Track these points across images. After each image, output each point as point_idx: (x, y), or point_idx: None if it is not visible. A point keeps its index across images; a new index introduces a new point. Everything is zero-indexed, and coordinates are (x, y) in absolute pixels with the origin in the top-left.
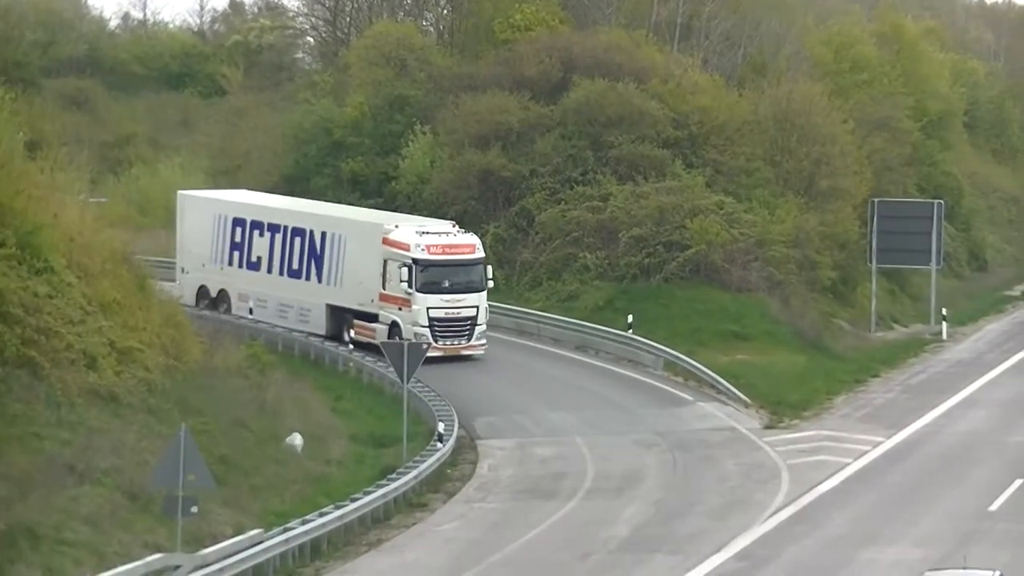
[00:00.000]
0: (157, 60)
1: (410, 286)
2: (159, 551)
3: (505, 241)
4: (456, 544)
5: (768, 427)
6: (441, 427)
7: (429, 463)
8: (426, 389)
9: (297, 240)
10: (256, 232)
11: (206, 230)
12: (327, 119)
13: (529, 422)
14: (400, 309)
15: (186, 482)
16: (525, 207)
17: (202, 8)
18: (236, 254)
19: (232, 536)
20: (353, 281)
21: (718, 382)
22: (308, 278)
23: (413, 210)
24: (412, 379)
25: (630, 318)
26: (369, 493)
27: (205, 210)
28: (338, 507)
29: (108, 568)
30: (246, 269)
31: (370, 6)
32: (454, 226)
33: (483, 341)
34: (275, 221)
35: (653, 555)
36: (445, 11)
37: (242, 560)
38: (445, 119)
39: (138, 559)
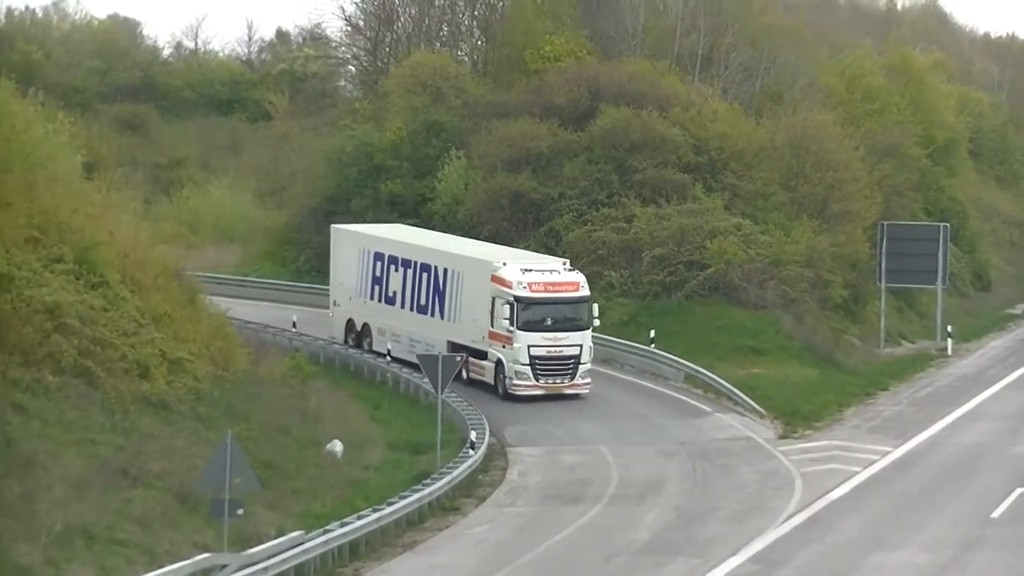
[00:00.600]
0: (207, 87)
1: (512, 323)
2: (206, 551)
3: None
4: (486, 546)
5: (782, 437)
6: (473, 435)
7: (461, 469)
8: (459, 399)
9: (424, 276)
10: (392, 267)
11: (353, 264)
12: (367, 143)
13: (557, 431)
14: (504, 347)
15: (232, 485)
16: (554, 228)
17: (250, 39)
18: (376, 288)
19: (275, 537)
20: (468, 318)
21: (735, 394)
22: (433, 314)
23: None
24: (446, 390)
25: (652, 333)
26: (404, 497)
27: (352, 244)
28: (375, 510)
29: (158, 567)
30: (384, 304)
31: (408, 37)
32: (564, 264)
33: (587, 380)
34: (407, 257)
35: (674, 558)
36: (479, 42)
37: (284, 560)
38: (478, 144)
39: (187, 558)
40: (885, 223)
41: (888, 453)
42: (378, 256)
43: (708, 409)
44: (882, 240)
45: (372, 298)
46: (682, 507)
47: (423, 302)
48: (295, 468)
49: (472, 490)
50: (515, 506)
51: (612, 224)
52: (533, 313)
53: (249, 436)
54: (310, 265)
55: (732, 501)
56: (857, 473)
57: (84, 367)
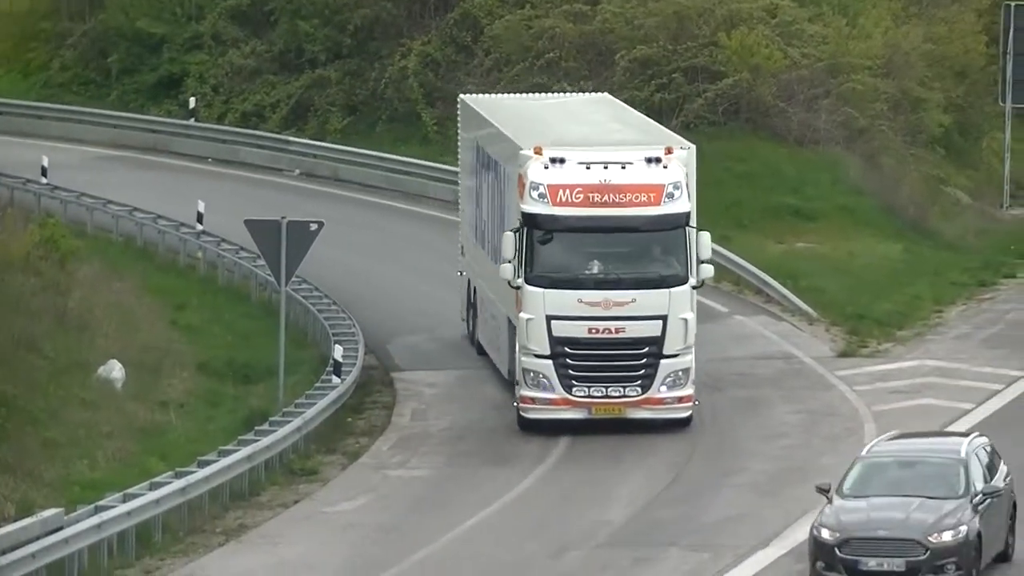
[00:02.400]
0: None
1: (516, 272)
2: None
3: (439, 66)
4: (360, 532)
5: (844, 354)
6: (339, 352)
7: (319, 408)
8: (316, 294)
9: (488, 181)
10: (483, 173)
11: (466, 174)
12: None
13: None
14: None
15: None
16: (468, 12)
17: None
18: (476, 216)
19: (16, 518)
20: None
21: (768, 285)
22: (487, 248)
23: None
24: (293, 277)
25: None
26: (227, 454)
27: (467, 132)
28: (179, 475)
29: None
30: (478, 244)
31: None
32: (659, 156)
33: (686, 392)
34: (487, 150)
35: (665, 550)
36: None
37: (32, 555)
38: None
39: None
40: (1012, 4)
41: (1017, 380)
42: (478, 155)
43: (723, 309)
44: (1008, 32)
45: (475, 237)
46: (680, 469)
47: (483, 229)
48: (47, 407)
49: (337, 442)
50: (407, 467)
51: (565, 6)
52: (557, 250)
53: None
54: (71, 75)
55: (761, 459)
56: (966, 412)
57: None
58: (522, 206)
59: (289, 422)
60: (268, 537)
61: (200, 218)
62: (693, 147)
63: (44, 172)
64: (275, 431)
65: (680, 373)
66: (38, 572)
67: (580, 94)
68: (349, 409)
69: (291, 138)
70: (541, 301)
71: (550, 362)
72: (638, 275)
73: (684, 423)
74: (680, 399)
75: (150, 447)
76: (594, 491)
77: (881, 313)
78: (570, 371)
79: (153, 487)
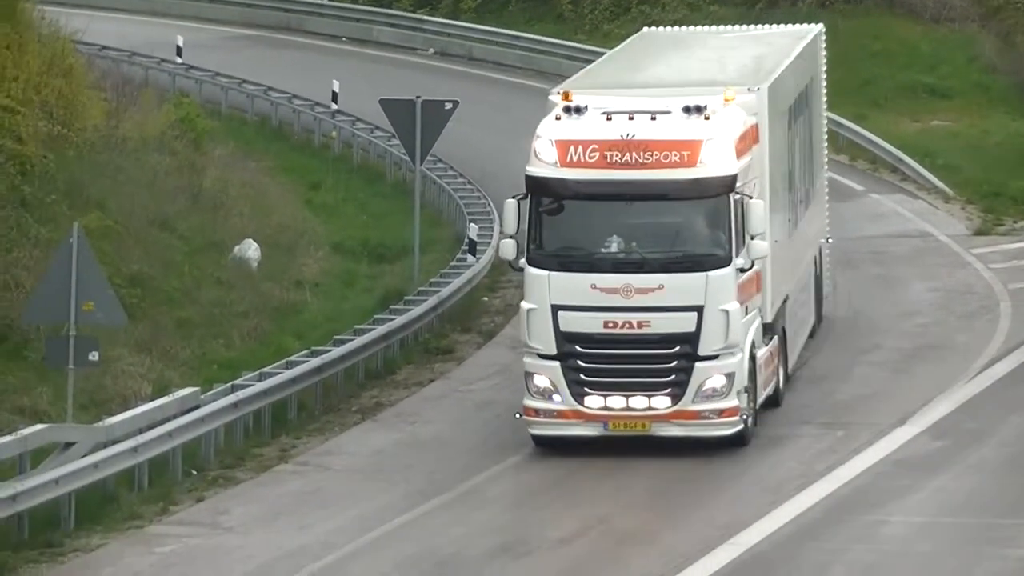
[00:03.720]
0: None
1: (517, 250)
2: (40, 421)
3: None
4: (494, 411)
5: (979, 232)
6: (474, 231)
7: (455, 287)
8: (451, 172)
9: None
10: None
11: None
12: None
13: None
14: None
15: (81, 315)
16: None
17: None
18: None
19: (152, 398)
20: None
21: (903, 163)
22: None
23: None
24: (428, 156)
25: None
26: (363, 333)
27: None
28: (314, 354)
29: None
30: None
31: None
32: (704, 106)
33: (730, 403)
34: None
35: (799, 428)
36: None
37: (169, 434)
38: None
39: (7, 432)
40: None
41: None
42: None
43: (858, 187)
44: None
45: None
46: (815, 346)
47: None
48: (182, 287)
49: (472, 321)
50: None
51: None
52: (565, 222)
53: (107, 233)
54: None
55: (896, 336)
56: None
57: None
58: (527, 167)
59: (424, 301)
60: (403, 415)
61: (335, 97)
62: (765, 87)
63: (179, 52)
64: (410, 310)
65: (721, 379)
66: (174, 451)
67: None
68: (484, 288)
69: (425, 17)
70: (546, 287)
71: (557, 364)
72: (667, 255)
73: (734, 441)
74: (722, 412)
75: (285, 326)
76: None
77: (1016, 191)
78: (582, 376)
79: (289, 366)
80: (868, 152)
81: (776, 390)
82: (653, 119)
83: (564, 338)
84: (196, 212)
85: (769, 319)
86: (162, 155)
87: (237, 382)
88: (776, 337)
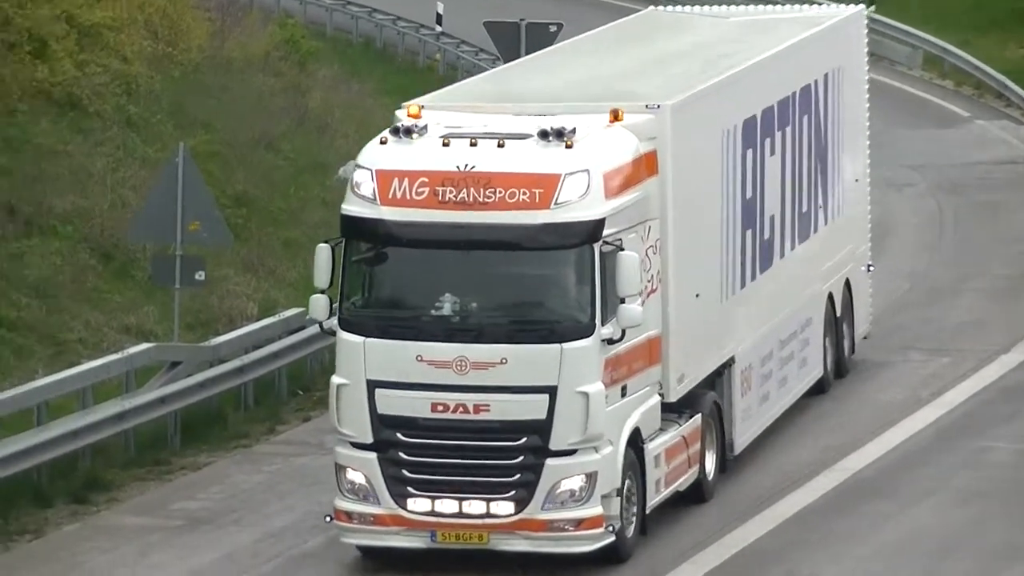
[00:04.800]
0: None
1: (326, 309)
2: (146, 340)
3: None
4: None
5: None
6: None
7: None
8: None
9: None
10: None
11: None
12: None
13: None
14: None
15: (187, 234)
16: None
17: None
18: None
19: (257, 318)
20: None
21: (1008, 88)
22: None
23: None
24: None
25: None
26: None
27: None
28: None
29: (70, 363)
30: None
31: None
32: (555, 128)
33: (591, 511)
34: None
35: (905, 354)
36: None
37: (274, 355)
38: None
39: (114, 351)
40: None
41: None
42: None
43: (963, 113)
44: None
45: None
46: (918, 273)
47: None
48: (287, 208)
49: None
50: None
51: None
52: (386, 276)
53: (212, 153)
54: None
55: (1001, 262)
56: None
57: None
58: (342, 205)
59: None
60: None
61: (439, 19)
62: (669, 104)
63: None
64: None
65: (579, 481)
66: (280, 371)
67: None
68: None
69: None
70: (361, 357)
71: (374, 456)
72: (512, 321)
73: (606, 557)
74: (580, 522)
75: None
76: None
77: None
78: (404, 472)
79: None
80: (973, 78)
81: (699, 481)
82: (501, 145)
83: (382, 423)
84: (301, 133)
85: (674, 397)
86: (267, 76)
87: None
88: (699, 416)
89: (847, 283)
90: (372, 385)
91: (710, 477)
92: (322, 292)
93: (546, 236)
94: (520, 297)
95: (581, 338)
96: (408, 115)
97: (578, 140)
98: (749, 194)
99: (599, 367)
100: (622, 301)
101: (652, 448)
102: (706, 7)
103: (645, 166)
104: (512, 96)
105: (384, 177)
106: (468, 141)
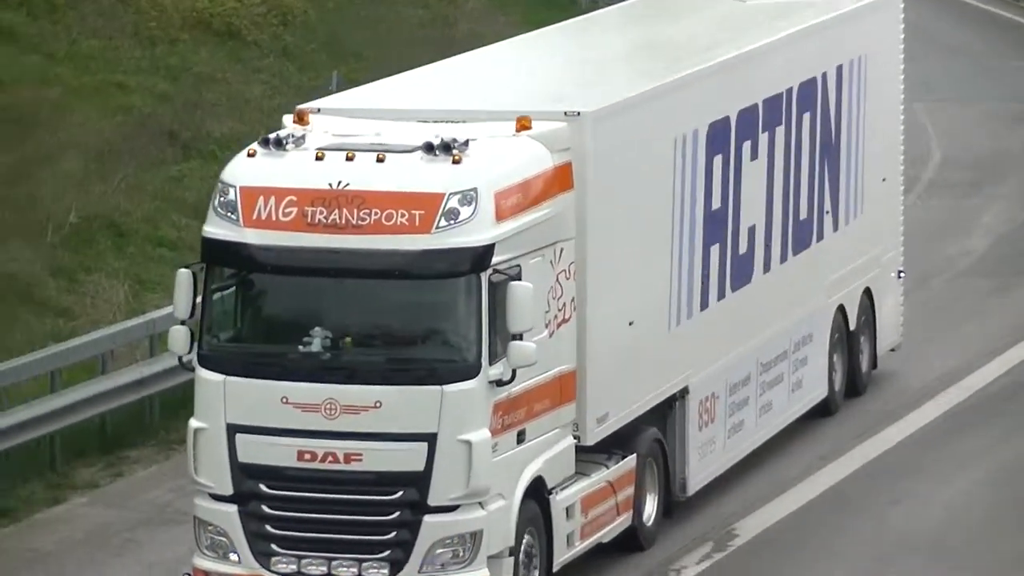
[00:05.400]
0: None
1: (190, 345)
2: None
3: None
4: None
5: None
6: None
7: None
8: None
9: None
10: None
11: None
12: None
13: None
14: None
15: None
16: None
17: None
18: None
19: None
20: None
21: None
22: None
23: None
24: None
25: None
26: None
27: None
28: None
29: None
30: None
31: None
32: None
33: (475, 574)
34: None
35: (1019, 278)
36: None
37: None
38: None
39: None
40: None
41: None
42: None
43: None
44: None
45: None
46: None
47: None
48: None
49: None
50: None
51: None
52: (249, 307)
53: (365, 82)
54: None
55: None
56: None
57: None
58: (204, 226)
59: None
60: None
61: None
62: (590, 111)
63: None
64: None
65: (461, 541)
66: None
67: None
68: None
69: None
70: (220, 398)
71: (234, 510)
72: (387, 359)
73: None
74: None
75: None
76: (957, 219)
77: None
78: (268, 527)
79: None
80: None
81: (634, 528)
82: (380, 160)
83: (244, 472)
84: (447, 48)
85: (592, 440)
86: (416, 8)
87: None
88: (633, 457)
89: (867, 292)
90: (232, 430)
91: (649, 523)
92: (182, 323)
93: (426, 264)
94: (397, 333)
95: (464, 379)
96: (294, 121)
97: (469, 154)
98: (716, 205)
99: (486, 412)
100: (514, 337)
101: (562, 498)
102: None
103: (557, 181)
104: (418, 100)
105: (248, 195)
106: (344, 155)
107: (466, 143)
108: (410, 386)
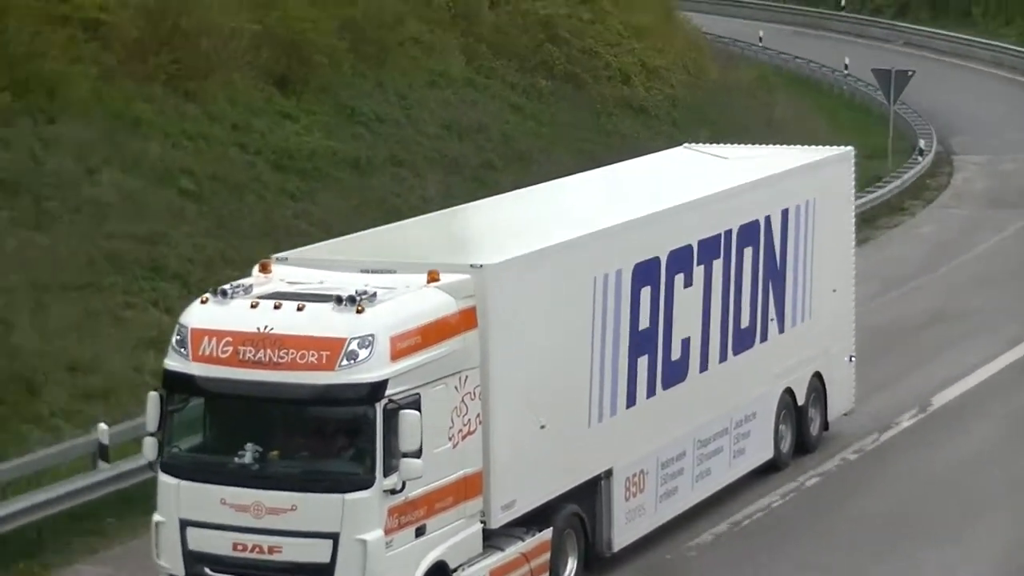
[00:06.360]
0: None
1: (159, 452)
2: None
3: None
4: (932, 241)
5: None
6: (922, 143)
7: (911, 174)
8: (909, 110)
9: None
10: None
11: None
12: None
13: (997, 142)
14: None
15: None
16: None
17: None
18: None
19: None
20: None
21: None
22: None
23: None
24: (898, 101)
25: None
26: (859, 197)
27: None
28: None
29: None
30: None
31: None
32: (362, 288)
33: None
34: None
35: None
36: None
37: None
38: None
39: None
40: None
41: None
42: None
43: None
44: None
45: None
46: None
47: None
48: None
49: (920, 193)
50: (959, 208)
51: None
52: (198, 425)
53: (713, 139)
54: None
55: None
56: None
57: (573, 74)
58: (165, 359)
59: (894, 181)
60: (881, 244)
61: (846, 66)
62: (492, 263)
63: (760, 39)
64: (886, 186)
65: None
66: None
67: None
68: (926, 175)
69: (895, 22)
70: (175, 497)
71: None
72: (302, 471)
73: None
74: None
75: None
76: None
77: None
78: None
79: None
80: None
81: None
82: (300, 309)
83: (193, 558)
84: (768, 130)
85: (497, 524)
86: (750, 98)
87: None
88: (549, 529)
89: (816, 375)
90: (184, 524)
91: None
92: (151, 435)
93: (330, 395)
94: (310, 449)
95: (361, 489)
96: (258, 271)
97: (373, 304)
98: (645, 325)
99: (380, 515)
100: (405, 455)
101: (468, 574)
102: (735, 146)
103: (462, 322)
104: (361, 252)
105: (197, 335)
106: (273, 304)
107: (373, 295)
108: (319, 493)
